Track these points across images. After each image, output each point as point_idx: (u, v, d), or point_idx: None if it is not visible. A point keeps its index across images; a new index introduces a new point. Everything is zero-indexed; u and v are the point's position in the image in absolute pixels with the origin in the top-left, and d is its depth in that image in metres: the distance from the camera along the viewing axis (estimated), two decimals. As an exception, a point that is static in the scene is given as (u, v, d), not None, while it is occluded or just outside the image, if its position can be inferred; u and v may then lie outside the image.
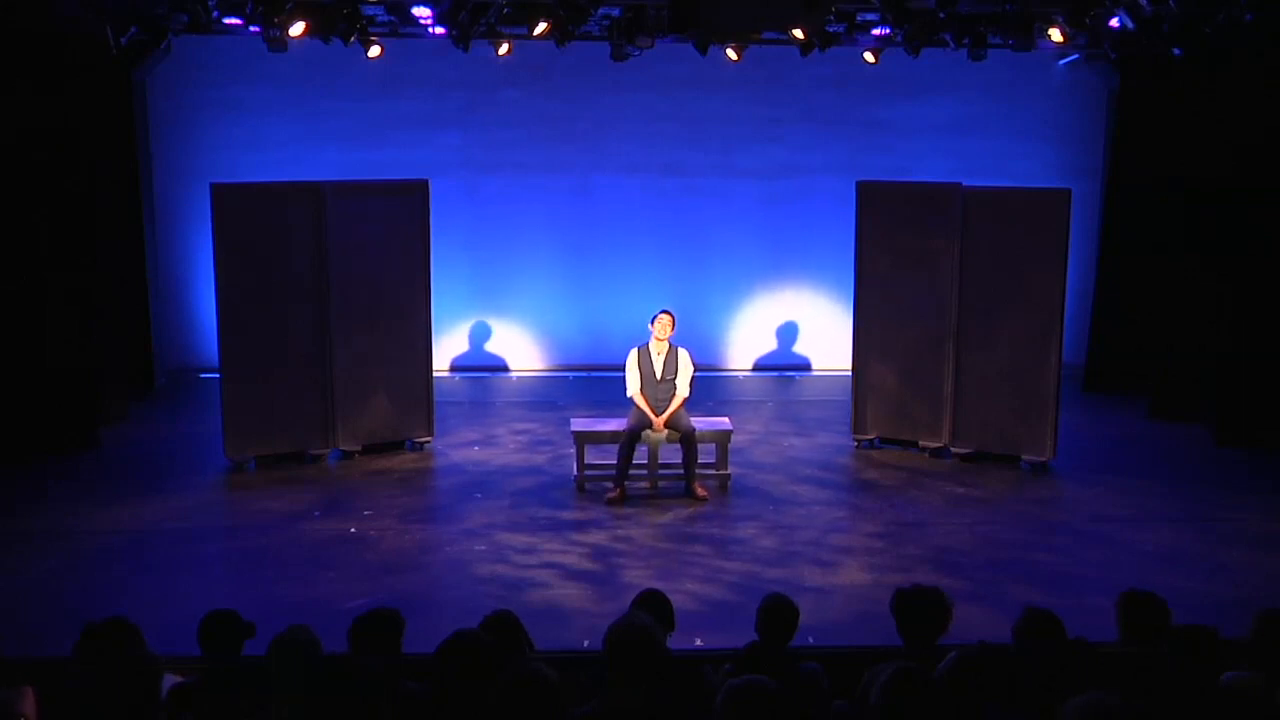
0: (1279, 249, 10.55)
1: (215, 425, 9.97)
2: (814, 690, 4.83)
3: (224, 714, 4.54)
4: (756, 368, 13.76)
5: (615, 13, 10.87)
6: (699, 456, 9.34)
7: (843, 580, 7.83)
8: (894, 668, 3.86)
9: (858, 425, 10.66)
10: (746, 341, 13.75)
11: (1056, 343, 9.80)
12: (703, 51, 11.12)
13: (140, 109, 12.20)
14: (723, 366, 13.57)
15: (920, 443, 10.42)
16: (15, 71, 9.86)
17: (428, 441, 10.53)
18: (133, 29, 11.15)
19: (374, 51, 11.33)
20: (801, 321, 13.75)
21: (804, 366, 13.76)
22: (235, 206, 9.68)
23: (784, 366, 13.74)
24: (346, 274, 10.01)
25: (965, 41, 11.10)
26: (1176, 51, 10.82)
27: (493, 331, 13.61)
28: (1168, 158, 11.65)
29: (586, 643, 6.49)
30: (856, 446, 10.64)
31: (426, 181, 10.33)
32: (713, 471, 9.54)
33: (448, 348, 13.23)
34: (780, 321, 13.77)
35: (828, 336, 13.57)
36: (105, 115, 11.31)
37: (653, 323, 9.35)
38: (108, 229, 11.27)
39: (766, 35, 11.33)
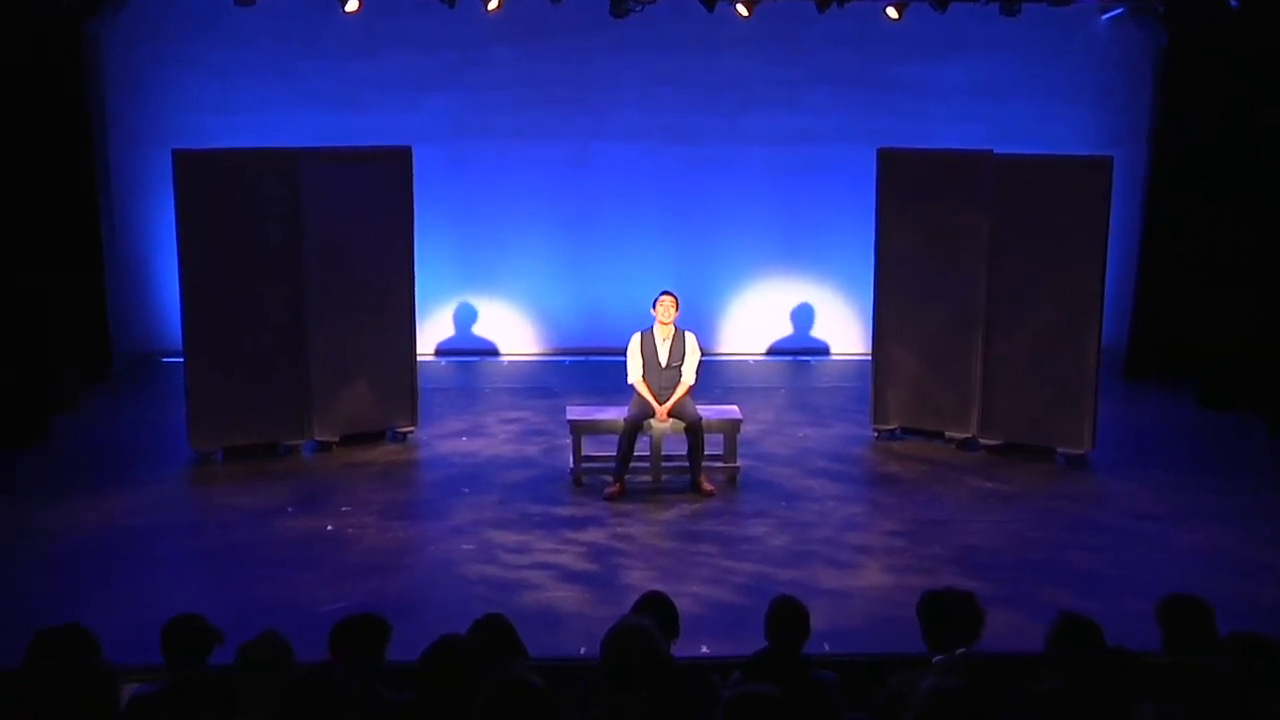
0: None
1: (179, 414, 9.98)
2: (828, 701, 4.84)
3: (189, 727, 4.55)
4: (770, 352, 13.76)
5: (615, -36, 10.86)
6: (706, 448, 9.35)
7: (861, 582, 7.86)
8: (933, 685, 3.77)
9: (878, 414, 10.66)
10: (758, 323, 13.74)
11: (1096, 325, 9.80)
12: (710, 8, 11.09)
13: (94, 65, 12.10)
14: (732, 351, 13.57)
15: (946, 433, 10.44)
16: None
17: (411, 431, 10.55)
18: (86, -25, 11.11)
19: (351, 5, 11.31)
20: (818, 302, 13.75)
21: (821, 351, 13.77)
22: (200, 175, 9.67)
23: (799, 351, 13.75)
24: (323, 249, 10.00)
25: (998, -6, 11.08)
26: (1232, 3, 10.75)
27: (481, 312, 13.61)
28: (1220, 123, 11.61)
29: (583, 649, 6.51)
30: (876, 437, 10.65)
31: (409, 149, 10.31)
32: (720, 464, 9.56)
33: (432, 330, 13.22)
34: (795, 302, 13.76)
35: (845, 318, 13.58)
36: (53, 72, 11.22)
37: (654, 306, 9.36)
38: (57, 200, 11.24)
39: (780, -11, 11.32)
